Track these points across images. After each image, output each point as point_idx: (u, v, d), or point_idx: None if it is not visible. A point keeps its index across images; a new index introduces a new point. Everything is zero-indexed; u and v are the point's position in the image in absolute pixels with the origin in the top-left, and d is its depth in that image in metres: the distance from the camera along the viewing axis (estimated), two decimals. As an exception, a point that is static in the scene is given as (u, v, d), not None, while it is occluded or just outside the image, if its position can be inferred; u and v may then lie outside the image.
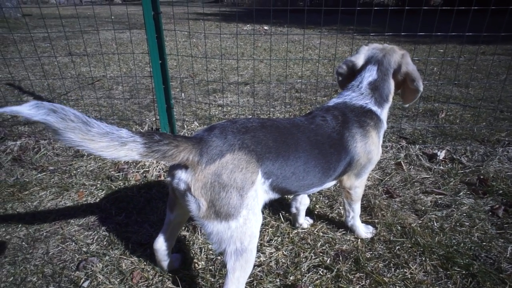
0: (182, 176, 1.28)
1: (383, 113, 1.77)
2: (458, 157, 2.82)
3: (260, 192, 1.37)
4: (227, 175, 1.25)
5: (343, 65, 1.86)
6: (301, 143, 1.46)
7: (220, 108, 4.10)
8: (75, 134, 1.06)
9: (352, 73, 1.85)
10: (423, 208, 2.24)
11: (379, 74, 1.75)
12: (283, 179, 1.42)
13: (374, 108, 1.72)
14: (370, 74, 1.76)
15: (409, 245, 1.91)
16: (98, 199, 2.34)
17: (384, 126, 1.77)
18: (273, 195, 1.47)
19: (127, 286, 1.66)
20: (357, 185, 1.79)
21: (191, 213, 1.31)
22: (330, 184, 1.72)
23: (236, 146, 1.30)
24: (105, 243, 1.94)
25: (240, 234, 1.29)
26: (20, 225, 2.08)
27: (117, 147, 1.13)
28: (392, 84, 1.77)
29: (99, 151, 1.11)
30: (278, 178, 1.41)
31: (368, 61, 1.79)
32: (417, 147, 2.99)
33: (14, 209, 2.23)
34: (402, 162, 2.78)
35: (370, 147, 1.67)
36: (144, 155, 1.18)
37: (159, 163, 2.71)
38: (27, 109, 0.99)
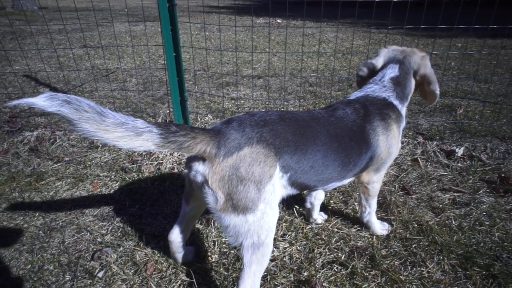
0: (200, 169, 1.27)
1: (403, 109, 1.75)
2: (478, 154, 2.74)
3: (277, 187, 1.35)
4: (245, 169, 1.24)
5: (364, 68, 1.89)
6: (320, 136, 1.43)
7: (233, 101, 4.08)
8: (89, 124, 1.06)
9: (372, 75, 1.86)
10: (441, 205, 2.19)
11: (400, 72, 1.76)
12: (301, 173, 1.40)
13: (396, 102, 1.70)
14: (392, 71, 1.76)
15: (426, 243, 1.86)
16: (112, 190, 2.35)
17: (404, 122, 1.74)
18: (291, 190, 1.44)
19: (141, 278, 1.66)
20: (375, 180, 1.76)
21: (208, 206, 1.30)
22: (350, 180, 1.68)
23: (254, 139, 1.28)
24: (119, 234, 1.96)
25: (257, 228, 1.28)
26: (37, 214, 2.11)
27: (132, 137, 1.12)
28: (413, 83, 1.78)
29: (114, 141, 1.11)
30: (296, 172, 1.38)
31: (388, 61, 1.81)
32: (435, 143, 2.91)
33: (31, 199, 2.26)
34: (419, 158, 2.72)
35: (391, 141, 1.63)
36: (160, 146, 1.17)
37: (172, 155, 2.71)
38: (42, 101, 0.99)
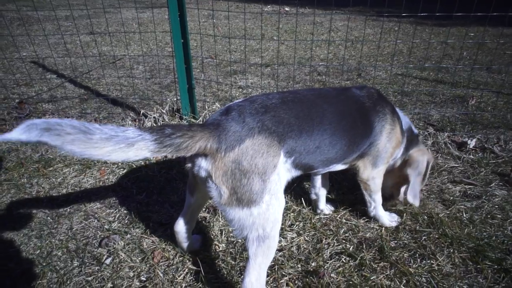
0: (203, 164, 1.24)
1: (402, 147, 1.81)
2: (490, 146, 2.68)
3: (282, 173, 1.32)
4: (248, 162, 1.20)
5: None
6: (327, 114, 1.40)
7: (240, 89, 4.04)
8: (75, 145, 0.99)
9: None
10: (451, 198, 2.15)
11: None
12: (306, 155, 1.37)
13: (405, 120, 1.78)
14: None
15: (436, 236, 1.83)
16: (120, 178, 2.35)
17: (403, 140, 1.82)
18: (295, 173, 1.42)
19: (148, 265, 1.66)
20: (375, 175, 1.73)
21: (213, 200, 1.27)
22: (346, 166, 1.66)
23: (255, 129, 1.24)
24: (126, 221, 1.95)
25: (263, 220, 1.25)
26: (45, 200, 2.11)
27: (124, 149, 1.06)
28: (402, 157, 1.89)
29: (106, 156, 1.05)
30: (301, 154, 1.35)
31: None
32: (446, 134, 2.86)
33: (40, 185, 2.27)
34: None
35: (393, 136, 1.62)
36: (156, 152, 1.12)
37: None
38: (19, 134, 0.93)
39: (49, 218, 1.98)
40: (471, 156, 2.60)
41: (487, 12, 2.57)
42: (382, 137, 1.59)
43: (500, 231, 1.87)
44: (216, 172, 1.21)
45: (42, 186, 2.26)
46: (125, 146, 1.06)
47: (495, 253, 1.71)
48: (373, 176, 1.73)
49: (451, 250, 1.74)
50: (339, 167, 1.62)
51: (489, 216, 1.99)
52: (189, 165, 1.32)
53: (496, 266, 1.65)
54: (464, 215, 1.99)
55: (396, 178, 1.93)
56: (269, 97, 1.36)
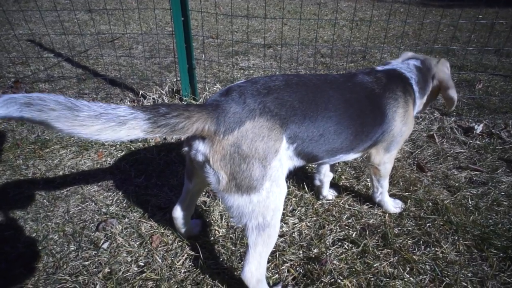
0: (200, 147, 1.17)
1: (417, 102, 1.69)
2: (498, 132, 2.62)
3: (284, 160, 1.25)
4: (248, 145, 1.14)
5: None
6: (333, 101, 1.32)
7: (242, 71, 3.94)
8: (61, 123, 0.93)
9: None
10: (457, 184, 2.10)
11: (423, 66, 1.71)
12: (309, 142, 1.30)
13: (416, 88, 1.65)
14: (416, 62, 1.71)
15: (441, 223, 1.79)
16: (118, 160, 2.30)
17: (415, 112, 1.71)
18: (297, 162, 1.35)
19: (146, 250, 1.63)
20: (386, 160, 1.67)
21: (211, 185, 1.22)
22: (355, 155, 1.59)
23: (256, 111, 1.17)
24: (124, 205, 1.91)
25: (263, 208, 1.20)
26: (41, 183, 2.07)
27: (115, 128, 0.99)
28: (431, 83, 1.72)
29: (94, 135, 0.98)
30: (304, 142, 1.28)
31: (409, 59, 1.77)
32: (452, 119, 2.79)
33: (36, 166, 2.22)
34: (435, 134, 2.61)
35: (407, 119, 1.54)
36: (149, 132, 1.05)
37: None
38: None
39: (45, 200, 1.94)
40: (478, 142, 2.54)
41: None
42: (396, 122, 1.52)
43: (506, 218, 1.83)
44: (214, 156, 1.15)
45: (38, 168, 2.21)
46: (115, 125, 0.99)
47: (500, 241, 1.67)
48: (384, 161, 1.67)
49: (456, 238, 1.71)
50: (349, 157, 1.55)
51: (495, 203, 1.94)
52: (186, 148, 1.26)
53: (501, 254, 1.61)
54: (470, 202, 1.95)
55: (427, 104, 1.87)
56: (272, 78, 1.29)
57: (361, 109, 1.40)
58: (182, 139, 1.20)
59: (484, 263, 1.58)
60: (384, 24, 5.73)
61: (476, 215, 1.85)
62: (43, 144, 2.44)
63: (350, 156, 1.56)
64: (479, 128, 2.65)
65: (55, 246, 1.65)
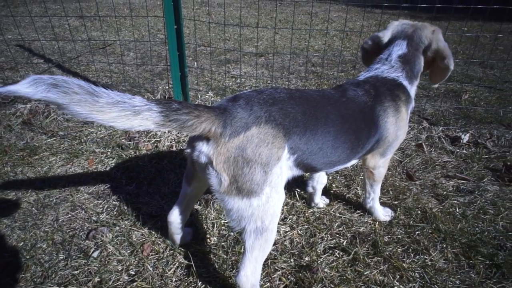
0: (203, 149, 1.19)
1: (412, 89, 1.68)
2: (483, 141, 2.68)
3: (284, 168, 1.29)
4: (252, 150, 1.17)
5: (369, 40, 1.81)
6: (331, 116, 1.36)
7: (233, 79, 3.96)
8: (81, 107, 0.97)
9: (378, 50, 1.77)
10: (445, 193, 2.14)
11: (409, 48, 1.66)
12: (309, 155, 1.33)
13: (405, 82, 1.63)
14: (400, 48, 1.66)
15: (430, 231, 1.83)
16: (108, 168, 2.28)
17: (412, 103, 1.69)
18: (296, 172, 1.38)
19: (137, 259, 1.62)
20: (381, 164, 1.70)
21: (211, 188, 1.23)
22: (354, 162, 1.62)
23: (262, 118, 1.21)
24: (115, 213, 1.90)
25: (262, 212, 1.22)
26: (30, 190, 2.04)
27: (129, 117, 1.04)
28: (422, 60, 1.68)
29: (110, 122, 1.02)
30: (304, 153, 1.32)
31: (396, 36, 1.70)
32: (440, 128, 2.85)
33: (24, 174, 2.19)
34: (423, 143, 2.66)
35: (400, 123, 1.57)
36: (160, 125, 1.09)
37: (171, 133, 2.63)
38: (25, 87, 0.89)
39: (33, 208, 1.91)
40: (464, 151, 2.60)
41: (486, 4, 2.54)
42: (389, 130, 1.55)
43: (492, 226, 1.88)
44: (218, 158, 1.17)
45: (27, 175, 2.18)
46: (130, 114, 1.04)
47: (487, 249, 1.71)
48: (379, 165, 1.71)
49: (444, 245, 1.74)
50: (346, 166, 1.59)
51: (481, 211, 1.98)
52: (188, 150, 1.27)
53: (488, 262, 1.65)
54: (457, 210, 1.99)
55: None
56: (277, 90, 1.34)
57: (356, 124, 1.43)
58: (185, 136, 1.22)
59: (472, 270, 1.62)
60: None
61: (464, 223, 1.88)
62: (32, 150, 2.41)
63: (348, 165, 1.60)
64: (465, 138, 2.72)
65: (43, 255, 1.63)
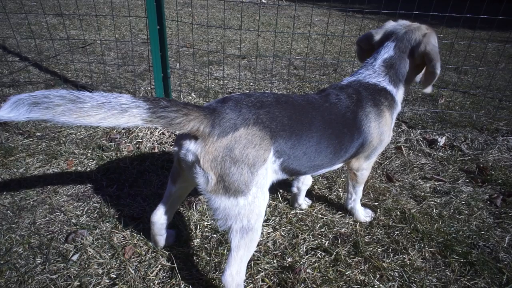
0: (191, 147, 1.20)
1: (398, 93, 1.69)
2: (458, 144, 2.79)
3: (269, 171, 1.31)
4: (240, 150, 1.19)
5: (363, 37, 1.82)
6: (315, 122, 1.39)
7: (216, 80, 3.96)
8: (66, 116, 0.99)
9: (371, 47, 1.79)
10: (422, 194, 2.21)
11: (396, 51, 1.65)
12: (294, 159, 1.35)
13: (389, 87, 1.64)
14: (387, 51, 1.67)
15: (408, 231, 1.88)
16: (88, 169, 2.23)
17: (398, 107, 1.70)
18: (281, 176, 1.41)
19: (118, 262, 1.59)
20: (365, 167, 1.74)
21: (198, 187, 1.25)
22: (339, 166, 1.66)
23: (250, 120, 1.23)
24: (95, 215, 1.86)
25: (248, 211, 1.24)
26: (4, 193, 1.97)
27: (116, 116, 1.06)
28: (408, 63, 1.66)
29: (98, 123, 1.05)
30: (289, 157, 1.34)
31: (387, 37, 1.70)
32: (418, 131, 2.94)
33: (-1, 175, 2.11)
34: (402, 146, 2.74)
35: (383, 128, 1.60)
36: (148, 121, 1.10)
37: (153, 134, 2.60)
38: (7, 113, 0.90)
39: (9, 211, 1.84)
40: (441, 154, 2.69)
41: (460, 12, 2.64)
42: (373, 135, 1.58)
43: (466, 226, 1.95)
44: (205, 157, 1.18)
45: (2, 177, 2.10)
46: (117, 113, 1.06)
47: (461, 247, 1.78)
48: (363, 168, 1.74)
49: (422, 245, 1.79)
50: (332, 169, 1.62)
51: (456, 211, 2.06)
52: (175, 148, 1.28)
53: (462, 260, 1.71)
54: (434, 211, 2.06)
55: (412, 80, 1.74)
56: (265, 95, 1.36)
57: (339, 129, 1.46)
58: (172, 135, 1.23)
59: (447, 268, 1.68)
60: (354, 39, 5.96)
61: (440, 223, 1.95)
62: (7, 151, 2.33)
63: (333, 168, 1.63)
64: (442, 141, 2.81)
65: (19, 260, 1.57)
